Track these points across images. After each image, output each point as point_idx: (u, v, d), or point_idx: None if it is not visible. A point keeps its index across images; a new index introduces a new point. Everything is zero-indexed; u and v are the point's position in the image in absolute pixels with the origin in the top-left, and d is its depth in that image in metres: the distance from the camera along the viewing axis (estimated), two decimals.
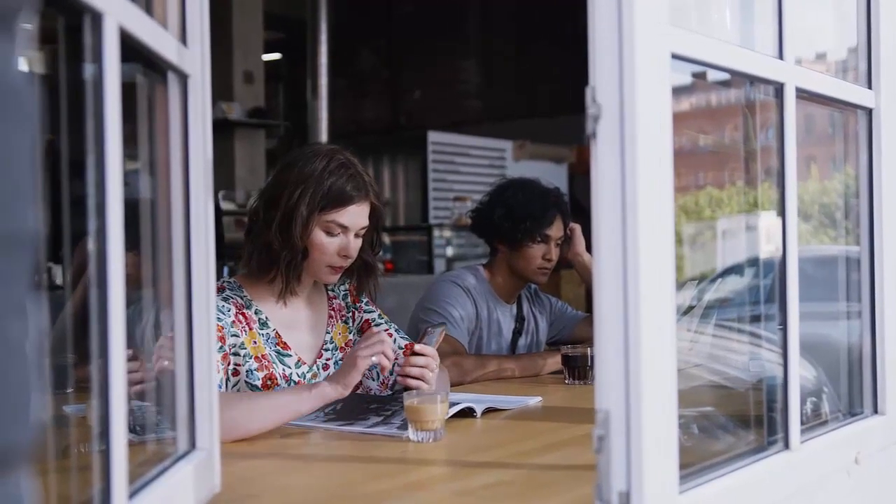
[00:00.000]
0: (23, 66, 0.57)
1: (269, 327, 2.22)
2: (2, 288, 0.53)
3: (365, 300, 2.43)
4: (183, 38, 1.34)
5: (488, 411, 2.15)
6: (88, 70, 1.00)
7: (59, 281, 3.06)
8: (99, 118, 0.99)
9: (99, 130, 0.99)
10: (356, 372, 1.97)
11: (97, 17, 0.98)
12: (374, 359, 1.97)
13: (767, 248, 1.83)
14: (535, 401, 2.32)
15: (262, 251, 2.19)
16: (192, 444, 1.35)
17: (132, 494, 1.07)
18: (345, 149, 2.26)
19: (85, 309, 1.02)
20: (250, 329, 2.18)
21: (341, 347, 2.35)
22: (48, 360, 0.61)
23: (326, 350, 2.33)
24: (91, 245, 1.00)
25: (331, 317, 2.36)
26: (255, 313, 2.22)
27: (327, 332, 2.34)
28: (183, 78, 1.33)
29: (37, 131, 0.57)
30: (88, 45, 0.99)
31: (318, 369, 2.28)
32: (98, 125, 0.99)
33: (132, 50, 1.10)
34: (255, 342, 2.17)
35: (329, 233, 2.18)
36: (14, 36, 0.54)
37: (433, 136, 7.75)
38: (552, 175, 6.12)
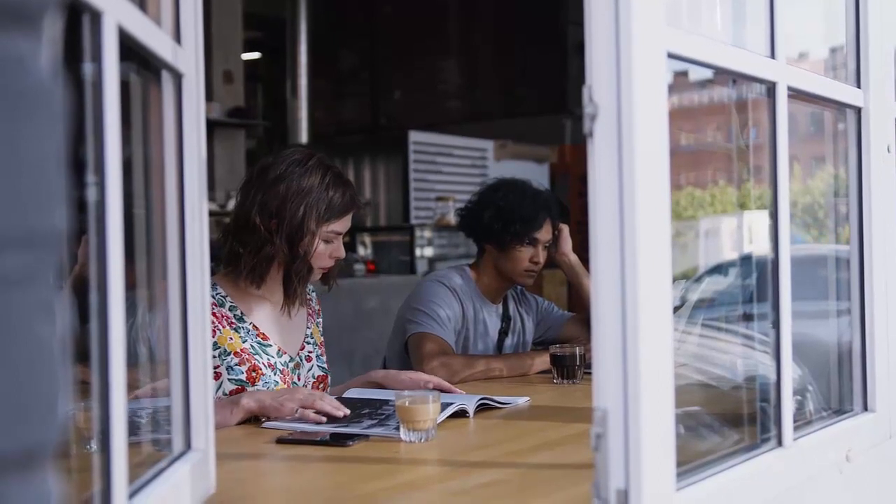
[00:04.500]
0: (50, 64, 0.56)
1: (245, 321, 2.25)
2: (30, 287, 0.53)
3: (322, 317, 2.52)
4: (177, 37, 1.33)
5: (481, 409, 2.16)
6: (87, 68, 0.99)
7: None
8: (98, 117, 0.98)
9: (98, 129, 0.98)
10: (275, 411, 2.00)
11: (96, 16, 0.98)
12: (297, 412, 1.99)
13: (752, 248, 1.84)
14: (523, 401, 2.33)
15: (263, 262, 2.22)
16: (188, 445, 1.34)
17: (131, 495, 1.06)
18: (321, 154, 2.32)
19: (74, 308, 1.01)
20: (225, 326, 2.21)
21: (320, 343, 2.43)
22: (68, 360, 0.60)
23: (308, 343, 2.38)
24: (90, 244, 0.99)
25: (309, 314, 2.42)
26: (230, 310, 2.25)
27: (308, 327, 2.40)
28: (177, 77, 1.32)
29: (64, 130, 0.57)
30: (87, 43, 0.98)
31: (300, 360, 2.34)
32: (97, 124, 0.98)
33: (127, 48, 1.09)
34: (231, 338, 2.20)
35: (327, 241, 2.26)
36: (41, 35, 0.54)
37: (414, 136, 7.72)
38: (533, 175, 6.12)
